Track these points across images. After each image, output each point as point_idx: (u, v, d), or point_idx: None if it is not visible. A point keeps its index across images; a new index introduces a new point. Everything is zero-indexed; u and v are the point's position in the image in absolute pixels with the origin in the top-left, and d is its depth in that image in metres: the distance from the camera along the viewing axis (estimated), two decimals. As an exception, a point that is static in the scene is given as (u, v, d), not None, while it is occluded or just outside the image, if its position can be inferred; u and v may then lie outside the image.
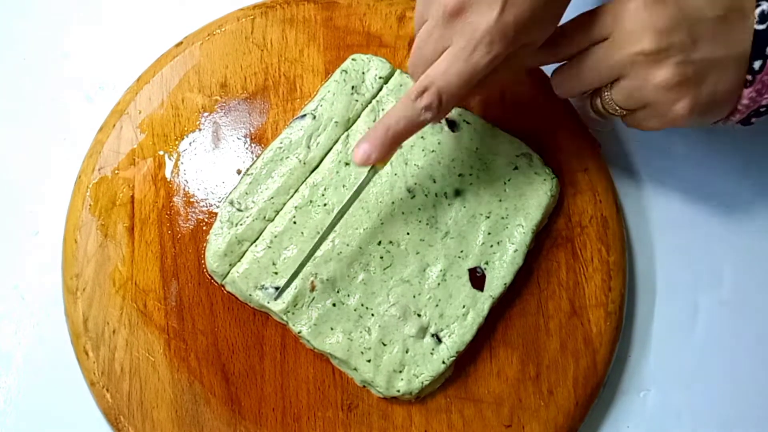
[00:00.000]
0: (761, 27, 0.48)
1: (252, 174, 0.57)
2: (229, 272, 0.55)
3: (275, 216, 0.56)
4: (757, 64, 0.49)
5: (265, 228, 0.56)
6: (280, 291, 0.54)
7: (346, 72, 0.59)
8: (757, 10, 0.48)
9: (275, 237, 0.55)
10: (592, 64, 0.51)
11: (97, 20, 0.66)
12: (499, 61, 0.48)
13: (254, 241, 0.56)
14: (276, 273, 0.55)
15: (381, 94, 0.59)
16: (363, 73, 0.59)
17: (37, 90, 0.64)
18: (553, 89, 0.55)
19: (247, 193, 0.57)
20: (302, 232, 0.56)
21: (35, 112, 0.63)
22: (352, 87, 0.58)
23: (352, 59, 0.59)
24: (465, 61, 0.47)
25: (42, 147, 0.62)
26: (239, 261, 0.55)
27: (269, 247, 0.55)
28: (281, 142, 0.57)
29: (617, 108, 0.52)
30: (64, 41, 0.65)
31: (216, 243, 0.56)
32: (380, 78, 0.59)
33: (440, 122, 0.53)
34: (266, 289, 0.55)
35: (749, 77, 0.49)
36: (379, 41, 0.61)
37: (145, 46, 0.63)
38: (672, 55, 0.49)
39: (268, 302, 0.55)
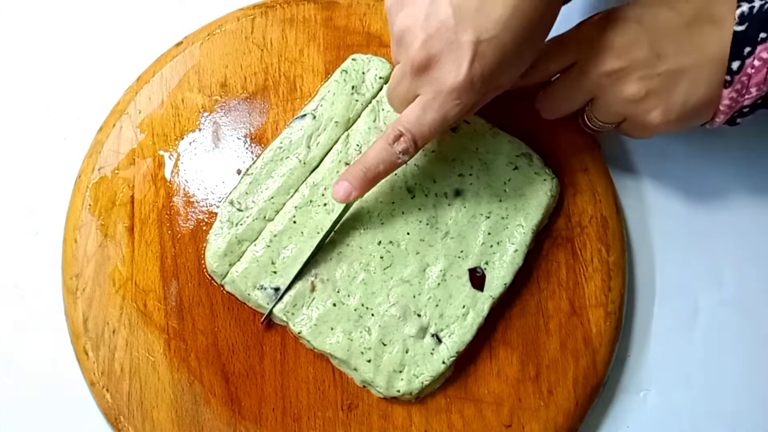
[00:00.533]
0: (740, 28, 0.49)
1: (252, 174, 0.57)
2: (228, 272, 0.55)
3: (275, 216, 0.56)
4: (735, 65, 0.49)
5: (265, 227, 0.56)
6: (281, 295, 0.54)
7: (347, 72, 0.59)
8: (737, 11, 0.49)
9: (275, 236, 0.55)
10: (565, 90, 0.55)
11: (97, 20, 0.66)
12: (469, 108, 0.49)
13: (254, 241, 0.56)
14: (275, 272, 0.55)
15: (381, 93, 0.59)
16: (363, 73, 0.59)
17: (37, 90, 0.64)
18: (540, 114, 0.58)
19: (247, 193, 0.57)
20: (302, 232, 0.56)
21: (35, 112, 0.63)
22: (353, 87, 0.58)
23: (352, 59, 0.59)
24: (436, 111, 0.49)
25: (42, 147, 0.62)
26: (238, 261, 0.55)
27: (268, 246, 0.55)
28: (281, 142, 0.57)
29: (601, 124, 0.56)
30: (64, 41, 0.65)
31: (216, 243, 0.56)
32: (380, 78, 0.59)
33: None
34: (265, 289, 0.55)
35: (728, 78, 0.50)
36: (379, 41, 0.61)
37: (145, 46, 0.63)
38: (635, 71, 0.51)
39: (268, 303, 0.55)
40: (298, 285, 0.55)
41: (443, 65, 0.48)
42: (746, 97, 0.50)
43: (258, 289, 0.55)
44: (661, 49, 0.51)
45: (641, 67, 0.51)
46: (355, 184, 0.52)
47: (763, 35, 0.48)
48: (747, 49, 0.49)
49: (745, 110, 0.51)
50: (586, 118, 0.57)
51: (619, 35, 0.51)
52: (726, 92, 0.50)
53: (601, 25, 0.52)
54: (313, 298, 0.55)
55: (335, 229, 0.55)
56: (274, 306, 0.54)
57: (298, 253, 0.55)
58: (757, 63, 0.49)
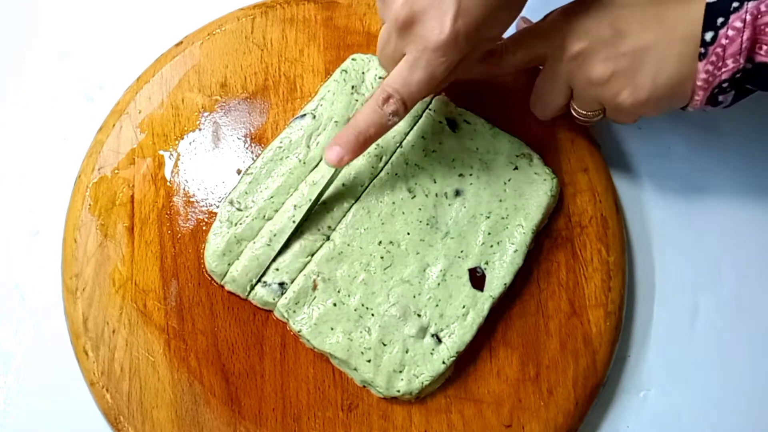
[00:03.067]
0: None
1: (252, 173, 0.57)
2: (227, 272, 0.55)
3: (275, 215, 0.56)
4: (708, 36, 0.48)
5: (264, 226, 0.56)
6: (286, 289, 0.55)
7: (346, 72, 0.59)
8: None
9: (274, 235, 0.55)
10: (544, 84, 0.56)
11: (97, 20, 0.66)
12: (456, 65, 0.49)
13: (252, 240, 0.56)
14: (277, 270, 0.55)
15: (380, 92, 0.59)
16: (363, 73, 0.59)
17: (37, 90, 0.64)
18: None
19: (246, 193, 0.57)
20: (302, 230, 0.56)
21: (35, 112, 0.63)
22: (352, 87, 0.58)
23: (352, 59, 0.59)
24: (423, 69, 0.49)
25: (42, 147, 0.62)
26: (237, 260, 0.55)
27: (268, 244, 0.55)
28: (281, 142, 0.57)
29: (585, 113, 0.55)
30: (64, 41, 0.65)
31: (215, 242, 0.56)
32: (380, 78, 0.59)
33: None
34: (269, 285, 0.55)
35: (702, 50, 0.48)
36: (379, 41, 0.61)
37: (145, 46, 0.63)
38: (598, 51, 0.51)
39: (274, 299, 0.55)
40: (301, 282, 0.55)
41: (426, 22, 0.47)
42: (723, 70, 0.48)
43: (262, 285, 0.55)
44: (624, 27, 0.50)
45: (604, 47, 0.50)
46: (346, 148, 0.51)
47: (735, 4, 0.47)
48: (720, 20, 0.47)
49: (725, 85, 0.49)
50: (572, 110, 0.56)
51: (580, 17, 0.51)
52: (701, 65, 0.49)
53: (567, 12, 0.52)
54: (315, 297, 0.55)
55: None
56: (291, 283, 0.55)
57: (300, 251, 0.55)
58: (731, 33, 0.47)
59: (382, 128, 0.51)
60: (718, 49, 0.48)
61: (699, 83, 0.49)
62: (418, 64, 0.49)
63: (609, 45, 0.50)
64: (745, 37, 0.47)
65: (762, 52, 0.47)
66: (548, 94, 0.56)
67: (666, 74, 0.50)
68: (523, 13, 0.53)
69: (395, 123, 0.51)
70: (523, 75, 0.61)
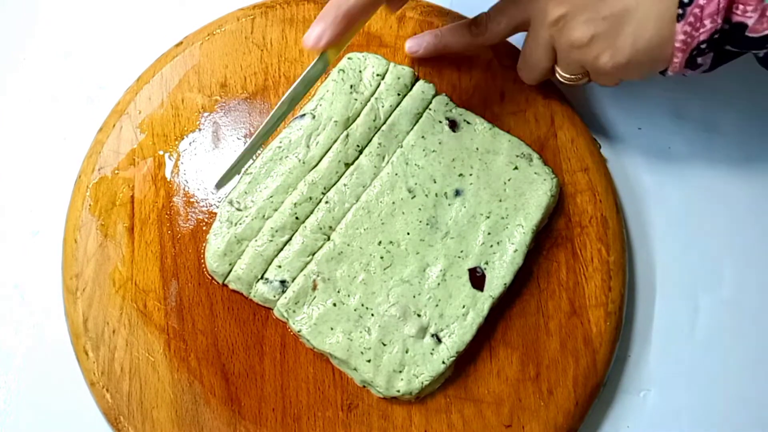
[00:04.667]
0: None
1: (251, 173, 0.57)
2: (229, 271, 0.55)
3: (274, 214, 0.56)
4: None
5: (264, 225, 0.56)
6: (287, 288, 0.55)
7: (344, 71, 0.59)
8: None
9: (276, 232, 0.55)
10: (528, 49, 0.57)
11: (97, 20, 0.66)
12: None
13: (254, 238, 0.56)
14: (279, 267, 0.55)
15: (379, 90, 0.59)
16: (360, 71, 0.59)
17: (37, 90, 0.64)
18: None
19: (246, 193, 0.57)
20: (303, 227, 0.56)
21: (35, 112, 0.63)
22: (351, 86, 0.58)
23: (348, 58, 0.59)
24: None
25: (42, 147, 0.62)
26: (239, 259, 0.55)
27: (270, 240, 0.55)
28: (281, 142, 0.57)
29: (567, 76, 0.56)
30: (64, 41, 0.65)
31: (215, 243, 0.56)
32: (377, 75, 0.59)
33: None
34: (270, 282, 0.55)
35: (680, 11, 0.48)
36: (379, 41, 0.61)
37: (145, 46, 0.63)
38: (578, 15, 0.51)
39: (274, 296, 0.55)
40: (301, 281, 0.55)
41: None
42: (701, 31, 0.48)
43: (264, 282, 0.55)
44: None
45: (584, 10, 0.51)
46: (327, 21, 0.49)
47: None
48: None
49: (703, 46, 0.49)
50: (557, 74, 0.57)
51: None
52: (679, 26, 0.48)
53: None
54: (314, 297, 0.55)
55: (336, 229, 0.56)
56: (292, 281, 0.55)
57: (302, 249, 0.55)
58: None
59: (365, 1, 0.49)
60: (696, 10, 0.47)
61: (677, 45, 0.49)
62: None
63: (589, 8, 0.51)
64: None
65: (739, 12, 0.47)
66: (533, 58, 0.57)
67: (646, 36, 0.50)
68: None
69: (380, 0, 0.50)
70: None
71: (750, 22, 0.47)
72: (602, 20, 0.51)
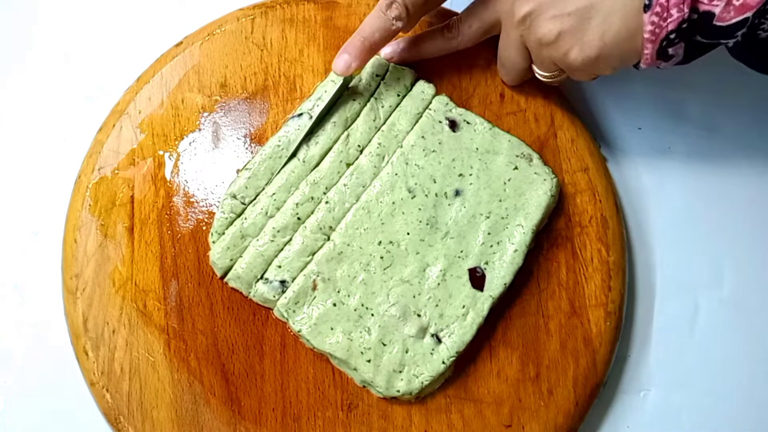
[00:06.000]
0: None
1: (250, 169, 0.57)
2: (230, 267, 0.55)
3: (276, 213, 0.56)
4: None
5: (267, 223, 0.56)
6: (286, 288, 0.55)
7: None
8: None
9: (278, 231, 0.55)
10: (502, 50, 0.58)
11: (97, 20, 0.66)
12: None
13: (256, 236, 0.56)
14: (279, 267, 0.55)
15: (379, 90, 0.59)
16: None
17: (37, 90, 0.64)
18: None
19: (246, 188, 0.57)
20: (304, 227, 0.56)
21: (35, 112, 0.63)
22: (349, 87, 0.58)
23: None
24: None
25: (42, 147, 0.62)
26: (240, 257, 0.56)
27: (272, 240, 0.55)
28: (279, 140, 0.57)
29: (543, 74, 0.57)
30: (64, 41, 0.65)
31: (220, 235, 0.56)
32: (377, 75, 0.59)
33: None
34: (270, 282, 0.55)
35: (646, 1, 0.48)
36: (379, 41, 0.61)
37: (145, 46, 0.63)
38: (544, 12, 0.52)
39: (274, 296, 0.55)
40: (301, 281, 0.55)
41: None
42: (669, 20, 0.48)
43: (264, 282, 0.55)
44: None
45: (550, 7, 0.51)
46: (354, 54, 0.55)
47: None
48: None
49: (672, 36, 0.48)
50: (535, 73, 0.57)
51: None
52: (647, 17, 0.48)
53: None
54: (314, 297, 0.55)
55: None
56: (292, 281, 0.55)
57: (302, 249, 0.55)
58: None
59: (387, 33, 0.55)
60: (662, 0, 0.47)
61: (646, 35, 0.49)
62: None
63: (554, 5, 0.51)
64: None
65: (705, 1, 0.47)
66: (509, 60, 0.57)
67: (614, 30, 0.50)
68: None
69: (399, 28, 0.55)
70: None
71: (716, 10, 0.47)
72: (568, 16, 0.51)
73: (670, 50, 0.49)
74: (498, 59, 0.59)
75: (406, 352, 0.54)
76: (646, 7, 0.48)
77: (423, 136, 0.58)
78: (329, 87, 0.58)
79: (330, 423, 0.54)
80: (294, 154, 0.57)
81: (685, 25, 0.48)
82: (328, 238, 0.56)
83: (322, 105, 0.58)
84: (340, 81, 0.57)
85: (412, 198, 0.57)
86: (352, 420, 0.55)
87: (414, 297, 0.55)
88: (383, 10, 0.55)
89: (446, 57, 0.61)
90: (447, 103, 0.59)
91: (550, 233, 0.59)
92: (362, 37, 0.55)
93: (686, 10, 0.47)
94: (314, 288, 0.55)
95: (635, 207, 0.63)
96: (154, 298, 0.56)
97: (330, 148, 0.57)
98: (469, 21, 0.57)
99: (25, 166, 0.62)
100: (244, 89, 0.60)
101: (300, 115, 0.58)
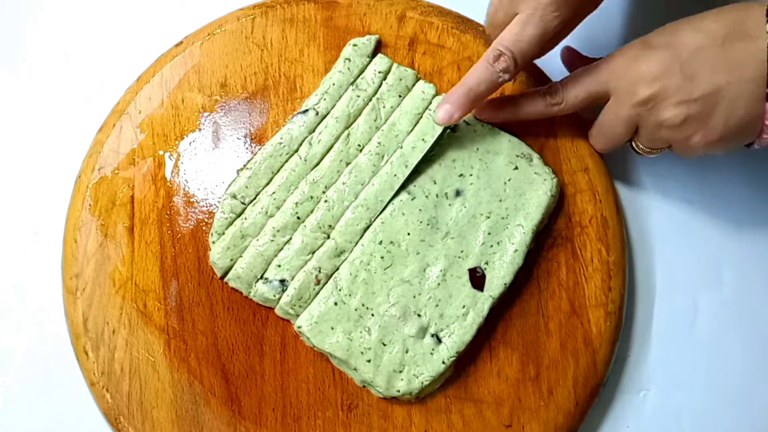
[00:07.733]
0: None
1: (251, 168, 0.57)
2: (230, 267, 0.55)
3: (276, 212, 0.56)
4: None
5: (267, 223, 0.56)
6: (287, 287, 0.55)
7: (350, 60, 0.59)
8: None
9: (278, 231, 0.55)
10: (607, 123, 0.56)
11: (97, 20, 0.66)
12: (568, 20, 0.51)
13: (256, 236, 0.56)
14: (279, 266, 0.55)
15: (381, 90, 0.59)
16: (367, 56, 0.59)
17: (37, 90, 0.64)
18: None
19: (246, 187, 0.57)
20: (303, 226, 0.56)
21: (35, 112, 0.63)
22: (354, 81, 0.58)
23: (353, 45, 0.59)
24: (535, 26, 0.52)
25: (42, 147, 0.62)
26: (240, 256, 0.56)
27: (272, 240, 0.55)
28: (281, 138, 0.57)
29: (648, 149, 0.56)
30: (64, 41, 0.65)
31: (220, 235, 0.56)
32: (380, 72, 0.59)
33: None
34: (270, 282, 0.55)
35: None
36: (379, 41, 0.61)
37: (145, 46, 0.63)
38: (670, 97, 0.51)
39: (274, 296, 0.55)
40: (303, 278, 0.55)
41: None
42: None
43: (263, 282, 0.55)
44: (694, 72, 0.50)
45: (675, 92, 0.51)
46: (456, 104, 0.54)
47: None
48: None
49: None
50: (633, 145, 0.57)
51: (649, 62, 0.51)
52: None
53: (631, 55, 0.53)
54: (317, 293, 0.55)
55: (336, 228, 0.56)
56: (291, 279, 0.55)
57: (302, 248, 0.55)
58: None
59: (493, 85, 0.54)
60: None
61: (767, 122, 0.50)
62: (531, 21, 0.51)
63: (681, 90, 0.51)
64: None
65: None
66: (612, 132, 0.56)
67: (738, 116, 0.50)
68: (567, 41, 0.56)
69: (505, 80, 0.54)
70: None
71: None
72: (694, 102, 0.50)
73: None
74: (597, 128, 0.58)
75: (406, 352, 0.54)
76: None
77: (423, 138, 0.58)
78: (336, 78, 0.58)
79: (330, 423, 0.54)
80: (296, 151, 0.57)
81: None
82: (328, 237, 0.56)
83: (328, 99, 0.58)
84: (439, 130, 0.57)
85: (412, 198, 0.57)
86: (352, 420, 0.55)
87: (414, 297, 0.55)
88: (490, 62, 0.53)
89: (446, 57, 0.61)
90: (447, 103, 0.59)
91: (550, 233, 0.59)
92: (467, 89, 0.54)
93: None
94: (317, 282, 0.55)
95: (635, 207, 0.63)
96: (154, 298, 0.56)
97: (331, 147, 0.57)
98: (576, 91, 0.55)
99: (25, 166, 0.62)
100: (244, 89, 0.60)
101: (305, 111, 0.58)
